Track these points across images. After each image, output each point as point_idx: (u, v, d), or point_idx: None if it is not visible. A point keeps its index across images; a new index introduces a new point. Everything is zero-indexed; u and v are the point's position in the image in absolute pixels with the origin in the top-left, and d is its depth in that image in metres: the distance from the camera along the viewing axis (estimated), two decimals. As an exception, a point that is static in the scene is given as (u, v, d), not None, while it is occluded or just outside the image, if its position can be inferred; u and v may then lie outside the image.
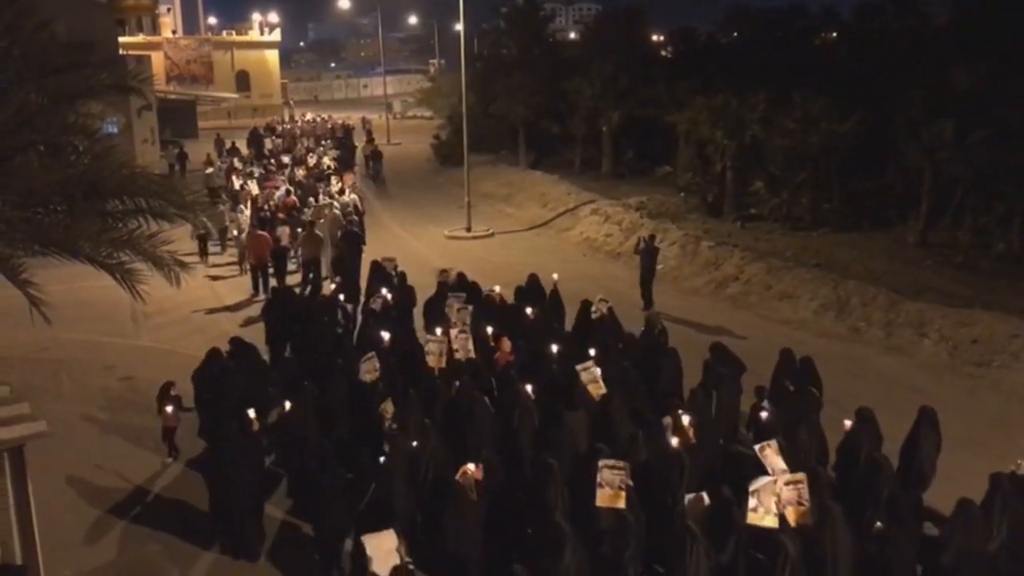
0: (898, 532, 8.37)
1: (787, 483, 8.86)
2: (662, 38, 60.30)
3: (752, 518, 8.64)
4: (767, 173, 26.31)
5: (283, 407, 11.81)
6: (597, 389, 11.57)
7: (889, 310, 18.10)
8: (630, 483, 8.91)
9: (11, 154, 11.58)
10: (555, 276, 16.58)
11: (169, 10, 77.06)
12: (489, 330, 13.77)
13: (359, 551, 8.43)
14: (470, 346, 13.09)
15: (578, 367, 11.87)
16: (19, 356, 16.54)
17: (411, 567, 8.42)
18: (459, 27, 31.75)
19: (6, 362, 15.54)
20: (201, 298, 20.31)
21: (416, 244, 26.54)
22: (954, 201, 22.48)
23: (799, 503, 8.76)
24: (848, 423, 10.63)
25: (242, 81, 72.28)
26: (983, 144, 21.17)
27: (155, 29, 71.15)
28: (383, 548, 8.35)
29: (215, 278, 22.66)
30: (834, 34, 48.14)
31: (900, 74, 26.47)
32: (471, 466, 9.33)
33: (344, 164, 37.52)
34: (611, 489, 8.86)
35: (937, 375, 15.84)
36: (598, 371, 11.78)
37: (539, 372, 12.32)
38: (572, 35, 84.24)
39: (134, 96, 15.35)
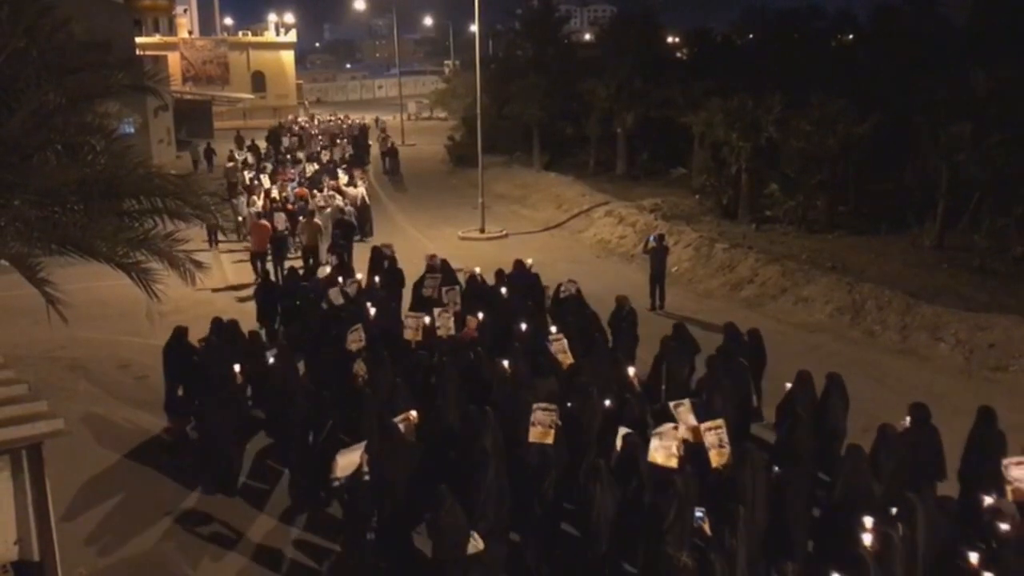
0: (794, 474, 9.57)
1: (707, 429, 9.91)
2: (677, 39, 60.19)
3: (653, 457, 9.54)
4: (782, 175, 26.17)
5: (267, 361, 13.33)
6: (566, 359, 12.77)
7: (905, 313, 18.00)
8: (559, 423, 10.10)
9: (29, 153, 11.66)
10: (529, 261, 17.97)
11: (186, 11, 77.45)
12: (480, 315, 14.63)
13: (329, 463, 9.77)
14: (451, 324, 14.18)
15: (549, 338, 13.13)
16: (36, 354, 16.67)
17: (367, 477, 9.61)
18: (474, 28, 31.91)
19: (24, 360, 15.64)
20: (216, 297, 20.44)
21: (430, 245, 26.48)
22: (971, 204, 22.34)
23: (720, 446, 9.78)
24: (789, 385, 11.81)
25: (258, 82, 72.59)
26: (1001, 146, 21.01)
27: (172, 30, 71.50)
28: (348, 459, 9.57)
29: (240, 261, 23.95)
30: (851, 36, 47.96)
31: (918, 76, 26.32)
32: (413, 412, 10.71)
33: (357, 161, 40.01)
34: (542, 427, 10.01)
35: (953, 379, 15.72)
36: (566, 342, 12.96)
37: (509, 345, 13.40)
38: (587, 36, 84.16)
39: (151, 96, 15.49)
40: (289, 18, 79.06)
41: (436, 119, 63.39)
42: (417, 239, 27.41)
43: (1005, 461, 9.47)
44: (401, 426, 10.48)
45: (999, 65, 23.16)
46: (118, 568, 10.26)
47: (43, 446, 6.95)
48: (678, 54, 51.94)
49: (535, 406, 10.23)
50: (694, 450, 9.90)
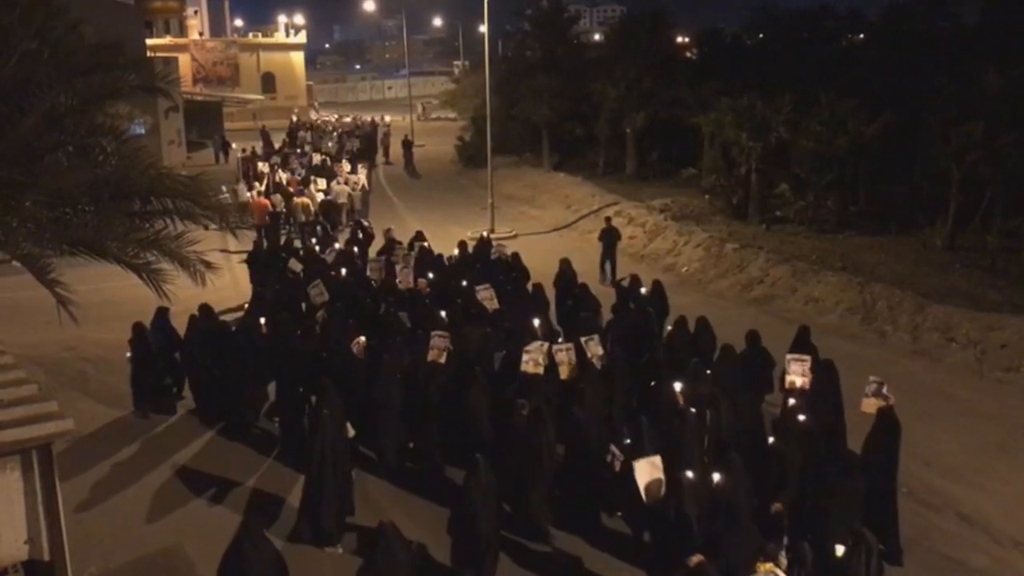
0: (660, 390, 11.96)
1: (558, 350, 12.51)
2: (687, 40, 59.97)
3: (524, 367, 12.10)
4: (793, 175, 26.11)
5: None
6: (492, 304, 15.55)
7: (916, 314, 17.92)
8: (451, 347, 12.71)
9: (40, 155, 11.69)
10: (484, 233, 21.98)
11: (196, 12, 77.59)
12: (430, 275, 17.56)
13: None
14: (410, 279, 17.24)
15: (477, 288, 15.91)
16: (47, 355, 16.76)
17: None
18: (483, 29, 31.85)
19: (34, 360, 15.72)
20: (225, 298, 20.45)
21: (438, 245, 26.50)
22: (983, 204, 22.22)
23: (569, 363, 12.42)
24: (669, 327, 14.86)
25: (268, 83, 72.70)
26: (1014, 146, 20.90)
27: (182, 31, 71.70)
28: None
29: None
30: (861, 35, 47.72)
31: (928, 75, 26.20)
32: (362, 338, 13.28)
33: (364, 155, 42.40)
34: (437, 350, 12.65)
35: (964, 380, 15.65)
36: (492, 292, 15.79)
37: (450, 297, 16.45)
38: (596, 37, 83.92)
39: (161, 98, 15.41)
40: (299, 19, 79.19)
41: (445, 119, 63.47)
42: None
43: (788, 356, 11.98)
44: (354, 348, 13.06)
45: (1011, 64, 23.00)
46: (129, 568, 10.31)
47: (53, 446, 6.98)
48: (688, 54, 51.65)
49: (432, 333, 12.95)
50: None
